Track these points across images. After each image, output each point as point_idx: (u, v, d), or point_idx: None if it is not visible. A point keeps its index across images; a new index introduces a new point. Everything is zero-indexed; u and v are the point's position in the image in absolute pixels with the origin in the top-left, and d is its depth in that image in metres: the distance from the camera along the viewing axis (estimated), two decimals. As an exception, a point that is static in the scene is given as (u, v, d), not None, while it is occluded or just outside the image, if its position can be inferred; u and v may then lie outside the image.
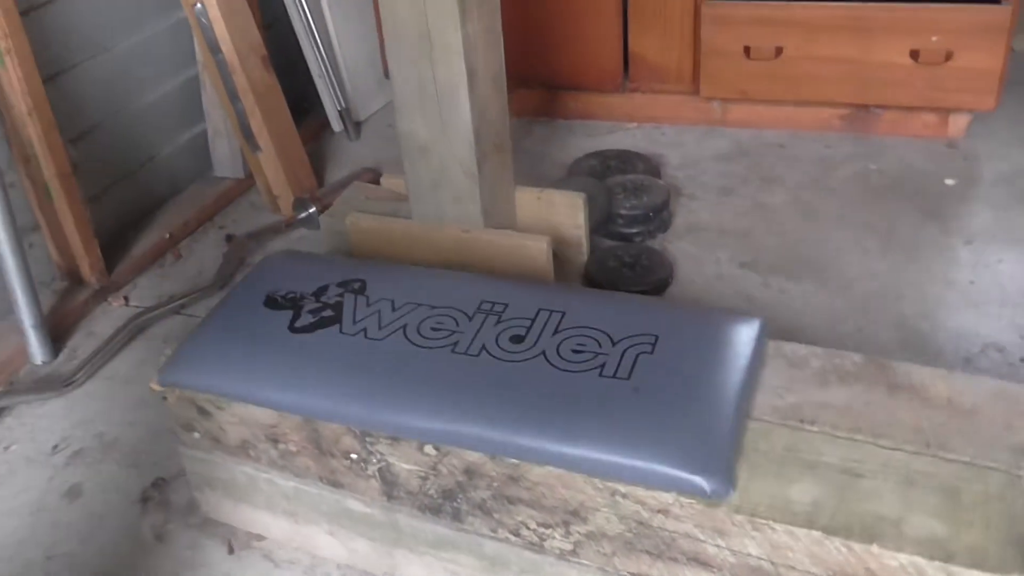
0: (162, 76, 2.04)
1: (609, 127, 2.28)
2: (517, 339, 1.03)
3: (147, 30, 1.98)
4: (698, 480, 0.88)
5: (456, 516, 1.04)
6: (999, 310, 1.54)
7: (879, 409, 0.96)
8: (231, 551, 1.25)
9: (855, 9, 1.92)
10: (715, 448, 0.91)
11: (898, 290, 1.61)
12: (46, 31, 1.73)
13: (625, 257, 1.70)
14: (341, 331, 1.08)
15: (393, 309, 1.10)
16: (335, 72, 2.34)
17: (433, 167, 1.54)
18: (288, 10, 2.23)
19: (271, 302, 1.14)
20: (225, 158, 2.17)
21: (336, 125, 2.40)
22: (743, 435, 0.94)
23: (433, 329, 1.07)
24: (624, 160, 2.02)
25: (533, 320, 1.05)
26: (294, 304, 1.13)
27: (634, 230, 1.80)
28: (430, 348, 1.04)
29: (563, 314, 1.06)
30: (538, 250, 1.53)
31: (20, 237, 1.64)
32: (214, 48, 1.92)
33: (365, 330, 1.07)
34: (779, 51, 2.00)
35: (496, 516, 1.01)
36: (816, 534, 0.84)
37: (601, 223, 1.79)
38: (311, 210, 1.97)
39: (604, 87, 2.24)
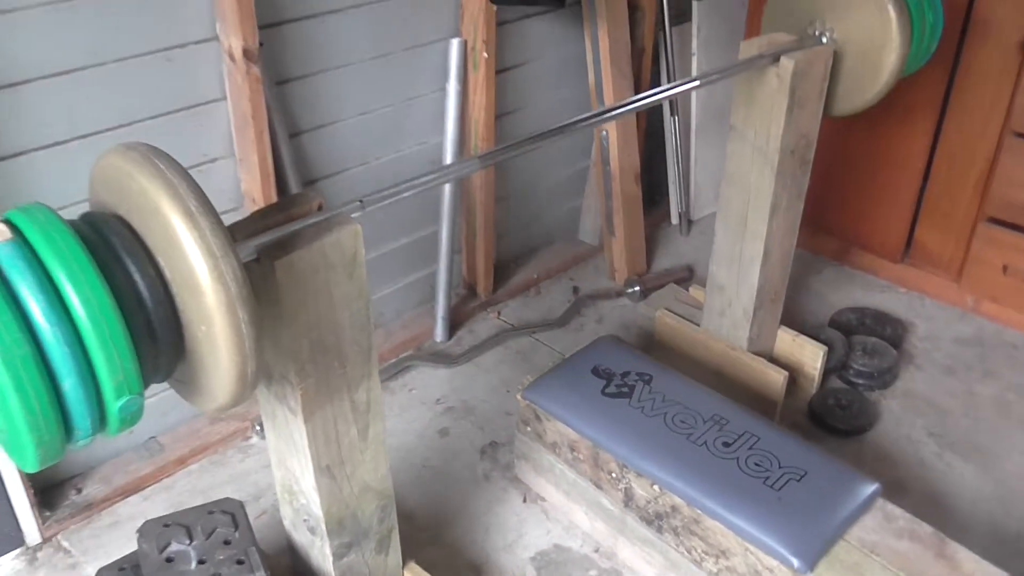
0: (564, 164, 2.88)
1: (883, 286, 2.85)
2: (726, 444, 1.74)
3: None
4: (794, 560, 1.55)
5: (659, 529, 1.77)
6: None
7: (922, 563, 1.56)
8: (524, 500, 2.06)
9: (1101, 265, 2.38)
10: (811, 547, 1.57)
11: (1040, 494, 2.11)
12: (504, 130, 2.60)
13: (843, 400, 2.31)
14: (629, 404, 1.84)
15: (663, 401, 1.84)
16: (685, 182, 3.09)
17: (724, 301, 2.25)
18: (666, 133, 3.00)
19: (595, 371, 1.92)
20: (588, 229, 2.99)
21: (674, 219, 3.15)
22: (832, 547, 1.59)
23: (682, 421, 1.80)
24: (878, 321, 2.60)
25: (740, 436, 1.75)
26: (608, 377, 1.90)
27: (860, 381, 2.40)
28: (675, 433, 1.77)
29: (758, 438, 1.75)
30: (776, 380, 2.20)
31: (452, 258, 2.55)
32: (605, 160, 2.73)
33: (643, 408, 1.83)
34: (1030, 276, 2.49)
35: (680, 537, 1.73)
36: (845, 612, 1.49)
37: (836, 368, 2.41)
38: (636, 288, 2.74)
39: (887, 255, 2.81)
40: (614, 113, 1.98)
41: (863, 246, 2.86)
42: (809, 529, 1.59)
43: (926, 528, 1.64)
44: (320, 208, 1.30)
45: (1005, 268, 2.52)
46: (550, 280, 2.86)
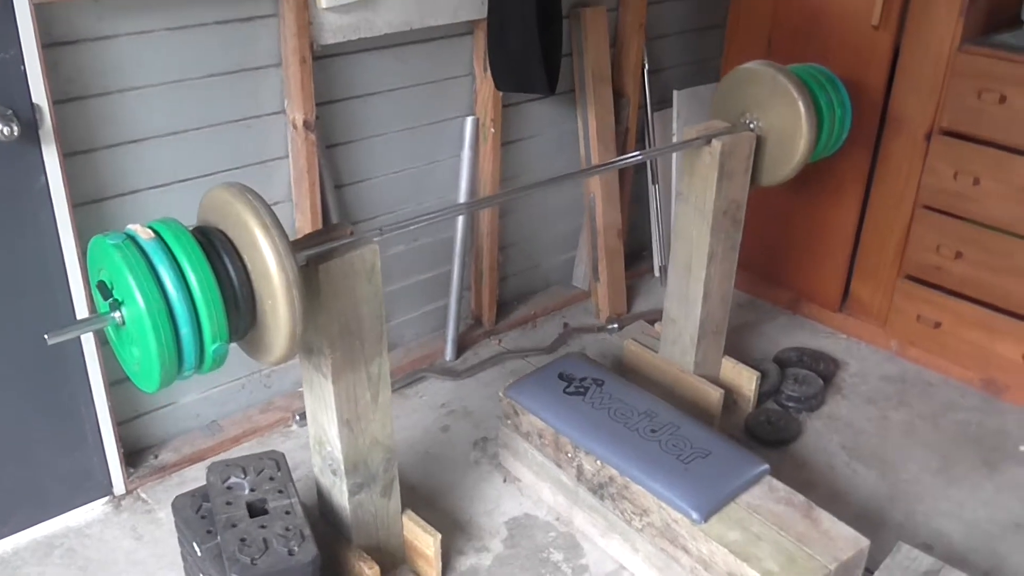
0: (560, 222, 3.44)
1: (826, 332, 3.36)
2: (653, 431, 2.27)
3: (565, 191, 3.39)
4: (694, 513, 2.07)
5: (601, 496, 2.29)
6: (968, 529, 2.47)
7: (792, 520, 2.07)
8: (504, 480, 2.58)
9: (989, 315, 2.87)
10: (707, 505, 2.08)
11: (925, 496, 2.58)
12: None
13: (773, 418, 2.82)
14: (583, 400, 2.38)
15: (610, 399, 2.38)
16: (666, 240, 3.64)
17: (676, 331, 2.78)
18: (649, 199, 3.56)
19: (561, 376, 2.47)
20: (580, 276, 3.55)
21: (656, 272, 3.69)
22: (724, 506, 2.10)
23: (622, 414, 2.33)
24: (814, 358, 3.11)
25: (665, 426, 2.28)
26: (569, 380, 2.45)
27: (790, 404, 2.90)
28: (615, 421, 2.30)
29: (678, 427, 2.27)
30: (714, 396, 2.72)
31: (462, 293, 3.11)
32: (592, 218, 3.30)
33: (593, 403, 2.36)
34: (938, 324, 2.99)
35: (616, 501, 2.25)
36: (724, 550, 2.00)
37: (771, 392, 2.92)
38: (615, 325, 3.28)
39: (827, 305, 3.33)
40: (583, 173, 2.54)
41: (809, 297, 3.38)
42: (707, 492, 2.11)
43: (800, 498, 2.15)
44: (351, 233, 1.88)
45: (918, 317, 3.03)
46: (545, 317, 3.41)
